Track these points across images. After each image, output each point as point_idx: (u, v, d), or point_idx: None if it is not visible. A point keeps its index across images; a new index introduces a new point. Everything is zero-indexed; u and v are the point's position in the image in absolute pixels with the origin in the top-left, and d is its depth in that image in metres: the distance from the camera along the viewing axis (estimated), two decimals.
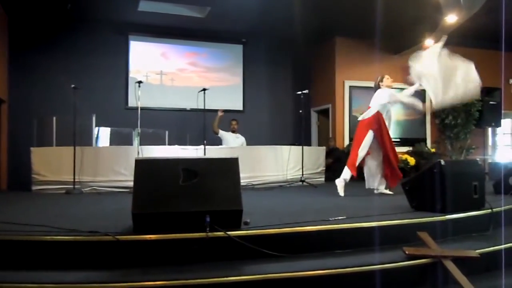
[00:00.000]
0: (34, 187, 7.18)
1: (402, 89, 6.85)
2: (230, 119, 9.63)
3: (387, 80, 6.41)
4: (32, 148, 7.37)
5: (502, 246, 3.77)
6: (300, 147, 8.36)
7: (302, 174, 8.20)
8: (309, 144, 10.95)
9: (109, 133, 8.77)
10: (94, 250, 3.13)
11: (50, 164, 7.26)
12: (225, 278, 2.90)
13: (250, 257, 3.26)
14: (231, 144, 9.15)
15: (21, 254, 3.11)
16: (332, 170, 9.64)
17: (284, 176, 8.29)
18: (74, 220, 3.89)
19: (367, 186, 6.43)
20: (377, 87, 6.43)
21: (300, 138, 8.73)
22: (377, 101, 6.26)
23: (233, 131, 9.52)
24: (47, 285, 2.75)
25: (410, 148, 10.85)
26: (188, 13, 9.56)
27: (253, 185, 7.83)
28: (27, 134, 8.52)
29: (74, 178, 6.99)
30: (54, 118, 8.12)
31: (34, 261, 3.07)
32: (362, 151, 6.11)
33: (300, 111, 8.67)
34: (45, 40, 9.64)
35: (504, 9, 6.96)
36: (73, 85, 7.17)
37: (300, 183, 8.10)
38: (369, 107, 6.34)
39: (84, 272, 2.91)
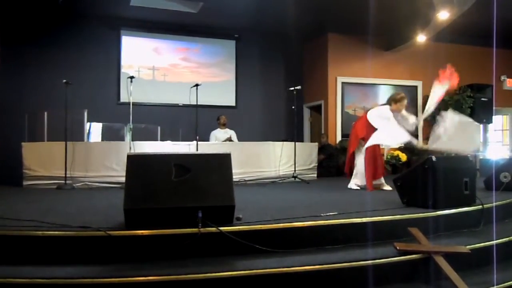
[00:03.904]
0: (25, 182, 7.15)
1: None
2: (218, 115, 9.68)
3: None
4: (23, 143, 7.35)
5: (494, 242, 3.80)
6: (293, 143, 8.37)
7: (295, 170, 8.21)
8: (301, 140, 10.96)
9: (101, 128, 8.74)
10: (85, 246, 3.12)
11: (42, 159, 7.22)
12: (217, 274, 2.90)
13: (242, 253, 3.26)
14: (221, 140, 9.17)
15: (12, 249, 3.10)
16: (324, 166, 9.68)
17: (276, 172, 8.30)
18: (65, 216, 3.88)
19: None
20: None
21: (293, 134, 8.72)
22: None
23: (224, 125, 9.52)
24: (38, 280, 2.73)
25: (402, 144, 10.87)
26: (180, 8, 9.50)
27: (245, 181, 7.84)
28: (18, 129, 8.43)
29: (65, 174, 6.97)
30: (46, 113, 8.04)
31: (25, 256, 3.06)
32: None
33: (293, 107, 8.66)
34: (37, 34, 9.56)
35: (495, 6, 6.98)
36: (64, 80, 7.14)
37: (293, 179, 8.10)
38: None
39: (76, 267, 2.90)
